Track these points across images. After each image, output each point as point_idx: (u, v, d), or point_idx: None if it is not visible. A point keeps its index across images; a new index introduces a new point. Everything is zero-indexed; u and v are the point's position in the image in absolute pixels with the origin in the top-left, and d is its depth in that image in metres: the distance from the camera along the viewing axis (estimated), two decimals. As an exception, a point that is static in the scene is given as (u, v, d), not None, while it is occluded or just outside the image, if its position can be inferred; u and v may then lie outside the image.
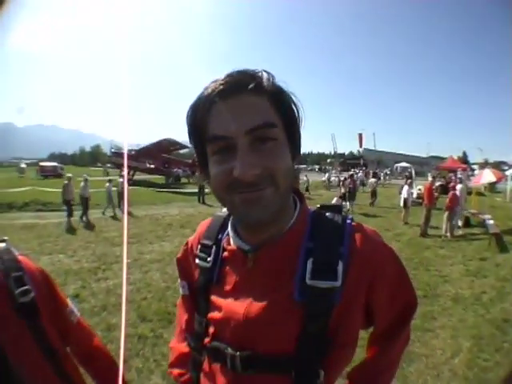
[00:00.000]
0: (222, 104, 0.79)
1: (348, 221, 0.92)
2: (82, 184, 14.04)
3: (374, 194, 19.66)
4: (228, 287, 0.98)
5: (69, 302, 1.18)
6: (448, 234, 11.02)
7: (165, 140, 32.86)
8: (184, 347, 1.20)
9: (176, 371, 1.20)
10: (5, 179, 32.44)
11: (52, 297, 1.10)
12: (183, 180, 36.34)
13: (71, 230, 11.99)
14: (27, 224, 12.65)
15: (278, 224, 0.91)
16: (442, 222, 11.33)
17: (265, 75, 0.82)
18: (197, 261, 1.07)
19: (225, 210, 1.06)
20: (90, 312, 5.25)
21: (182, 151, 43.58)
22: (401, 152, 67.30)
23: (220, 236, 1.05)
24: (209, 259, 1.03)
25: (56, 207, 15.94)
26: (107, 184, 15.57)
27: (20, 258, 1.04)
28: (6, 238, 1.09)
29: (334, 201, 13.77)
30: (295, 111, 0.86)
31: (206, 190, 19.57)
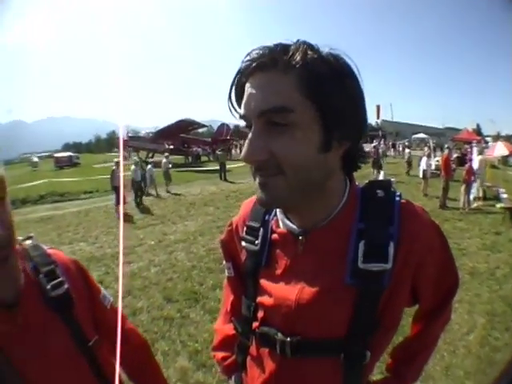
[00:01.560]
0: (249, 81, 0.76)
1: (397, 198, 0.86)
2: (133, 167, 13.56)
3: (409, 164, 19.83)
4: (278, 271, 0.94)
5: (101, 287, 1.19)
6: (466, 207, 10.85)
7: (182, 120, 33.14)
8: (229, 329, 1.19)
9: (220, 354, 1.21)
10: (17, 176, 32.28)
11: (87, 285, 1.11)
12: (203, 158, 36.48)
13: (127, 216, 11.49)
14: (44, 217, 12.44)
15: (325, 204, 0.87)
16: (459, 194, 11.16)
17: (299, 50, 0.72)
18: (243, 243, 1.03)
19: None
20: (115, 297, 5.04)
21: (200, 130, 43.73)
22: (418, 123, 66.02)
23: (267, 217, 1.00)
24: (257, 242, 0.98)
25: (74, 196, 16.01)
26: (149, 166, 15.45)
27: (50, 251, 1.05)
28: (31, 234, 1.09)
29: (380, 176, 13.77)
30: (339, 93, 0.73)
31: (228, 167, 19.40)
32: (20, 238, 1.03)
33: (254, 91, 0.74)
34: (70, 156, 46.20)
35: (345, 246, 0.84)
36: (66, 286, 1.00)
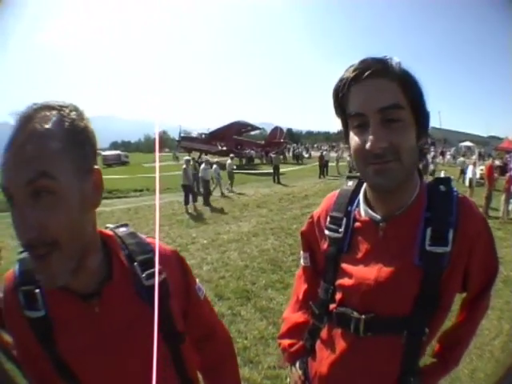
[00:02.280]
0: (358, 86, 0.94)
1: (455, 193, 1.04)
2: (203, 166, 13.61)
3: (462, 172, 19.29)
4: (359, 255, 1.09)
5: (196, 279, 1.17)
6: (505, 216, 10.77)
7: (236, 122, 33.37)
8: (298, 317, 1.35)
9: (287, 342, 1.35)
10: None
11: (185, 276, 1.10)
12: (256, 161, 36.55)
13: (197, 217, 11.53)
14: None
15: (404, 196, 1.03)
16: (500, 204, 11.09)
17: (394, 61, 0.94)
18: (327, 232, 1.19)
19: (350, 183, 1.22)
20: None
21: (253, 133, 43.79)
22: (464, 131, 63.54)
23: (350, 208, 1.16)
24: (340, 230, 1.14)
25: (123, 194, 16.39)
26: (214, 166, 15.48)
27: (149, 240, 1.04)
28: (126, 222, 1.10)
29: (441, 174, 13.51)
30: (421, 95, 0.97)
31: (281, 170, 19.41)
32: (111, 225, 1.03)
33: (370, 93, 0.92)
34: (119, 154, 45.84)
35: (415, 231, 1.01)
36: (163, 275, 0.96)
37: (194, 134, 37.00)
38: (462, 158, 22.05)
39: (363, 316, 1.04)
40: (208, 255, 7.31)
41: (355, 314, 1.06)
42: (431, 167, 17.77)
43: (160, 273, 0.95)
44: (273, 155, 23.46)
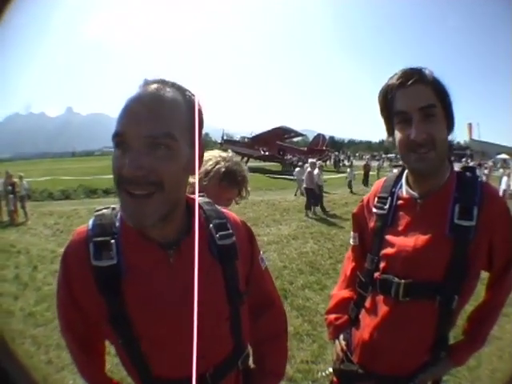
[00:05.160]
0: (403, 90, 1.19)
1: (479, 179, 1.29)
2: (317, 171, 13.22)
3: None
4: (401, 227, 1.31)
5: (261, 251, 1.26)
6: None
7: (279, 128, 33.17)
8: (345, 293, 1.56)
9: (332, 316, 1.55)
10: (98, 167, 33.72)
11: (250, 244, 1.19)
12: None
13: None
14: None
15: (437, 179, 1.27)
16: None
17: (428, 71, 1.21)
18: (374, 210, 1.42)
19: (395, 171, 1.49)
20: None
21: (295, 139, 43.34)
22: (502, 143, 61.15)
23: (394, 189, 1.39)
24: (385, 207, 1.37)
25: None
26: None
27: (223, 210, 1.16)
28: (202, 193, 1.19)
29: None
30: (449, 96, 1.23)
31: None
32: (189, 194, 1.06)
33: (413, 95, 1.18)
34: None
35: (446, 207, 1.23)
36: (233, 238, 1.06)
37: (237, 138, 37.24)
38: (501, 170, 21.56)
39: (403, 281, 1.24)
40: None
41: (396, 279, 1.26)
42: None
43: (231, 236, 1.06)
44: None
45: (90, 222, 0.98)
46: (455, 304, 1.22)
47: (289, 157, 36.08)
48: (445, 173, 1.28)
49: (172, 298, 0.94)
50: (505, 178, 13.66)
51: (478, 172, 1.41)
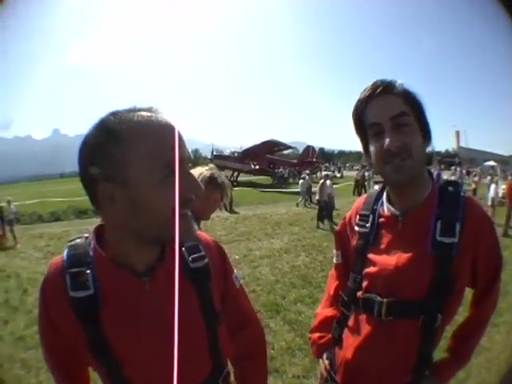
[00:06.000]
0: (372, 101, 1.20)
1: (462, 193, 1.24)
2: (329, 182, 13.06)
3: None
4: (383, 246, 1.29)
5: (234, 269, 1.26)
6: None
7: (269, 141, 33.37)
8: (328, 312, 1.54)
9: (316, 335, 1.54)
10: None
11: (223, 263, 1.19)
12: (290, 180, 36.21)
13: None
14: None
15: (418, 193, 1.24)
16: None
17: (398, 82, 1.21)
18: (356, 228, 1.39)
19: (376, 187, 1.46)
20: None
21: (285, 152, 43.55)
22: (489, 150, 61.97)
23: (375, 207, 1.37)
24: (367, 225, 1.34)
25: None
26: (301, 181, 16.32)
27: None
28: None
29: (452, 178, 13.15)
30: (421, 106, 1.22)
31: (313, 190, 19.40)
32: None
33: (383, 105, 1.18)
34: None
35: (428, 224, 1.19)
36: (206, 260, 1.07)
37: (227, 153, 37.12)
38: (489, 177, 21.44)
39: (385, 300, 1.22)
40: (240, 270, 7.32)
41: (378, 298, 1.23)
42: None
43: (203, 258, 1.07)
44: (306, 175, 23.37)
45: (65, 253, 0.98)
46: (439, 322, 1.19)
47: (279, 170, 36.05)
48: (425, 187, 1.25)
49: (149, 325, 0.94)
50: (493, 186, 13.58)
51: (467, 179, 1.45)
